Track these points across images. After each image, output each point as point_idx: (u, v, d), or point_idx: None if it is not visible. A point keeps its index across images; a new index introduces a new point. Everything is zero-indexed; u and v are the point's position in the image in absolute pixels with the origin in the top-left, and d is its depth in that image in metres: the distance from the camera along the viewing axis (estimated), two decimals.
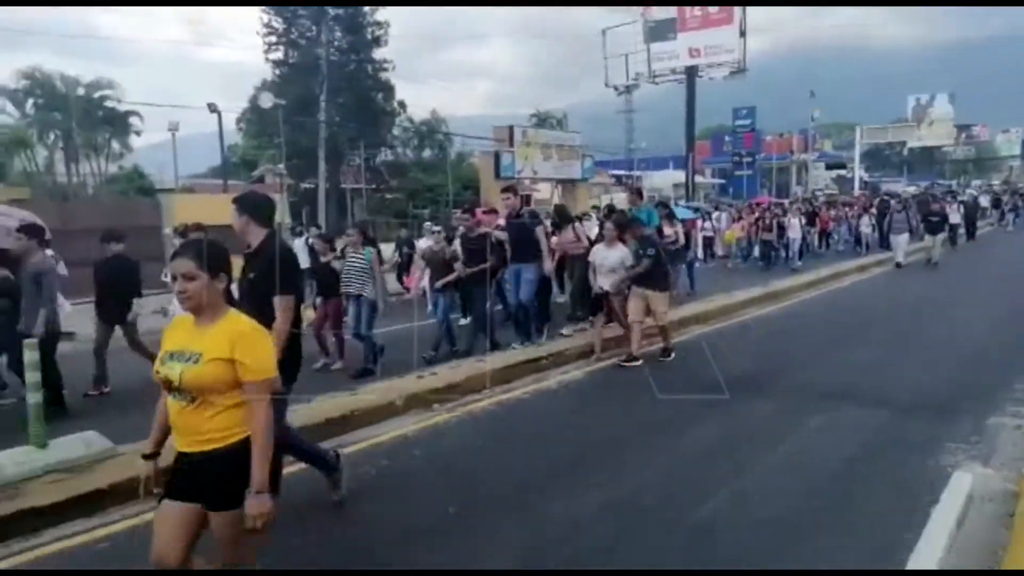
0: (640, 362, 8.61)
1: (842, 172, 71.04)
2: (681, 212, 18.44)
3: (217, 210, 23.87)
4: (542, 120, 57.25)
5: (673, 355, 8.97)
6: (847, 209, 27.40)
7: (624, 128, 56.35)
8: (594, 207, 21.30)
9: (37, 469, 4.83)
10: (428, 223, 16.41)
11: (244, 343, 2.82)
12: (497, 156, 40.63)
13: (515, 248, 9.35)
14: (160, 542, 2.92)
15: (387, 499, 4.93)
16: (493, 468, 5.44)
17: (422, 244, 14.31)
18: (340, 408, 6.36)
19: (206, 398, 2.82)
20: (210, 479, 2.86)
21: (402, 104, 41.23)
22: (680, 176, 56.68)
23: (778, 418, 6.47)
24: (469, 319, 10.51)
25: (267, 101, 26.92)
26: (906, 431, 5.96)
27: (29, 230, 7.76)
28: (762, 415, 6.57)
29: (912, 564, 3.74)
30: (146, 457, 3.14)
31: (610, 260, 9.01)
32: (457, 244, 9.92)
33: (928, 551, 3.85)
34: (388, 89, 36.75)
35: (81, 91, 38.68)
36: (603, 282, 9.07)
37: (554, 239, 10.48)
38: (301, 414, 6.08)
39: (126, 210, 25.16)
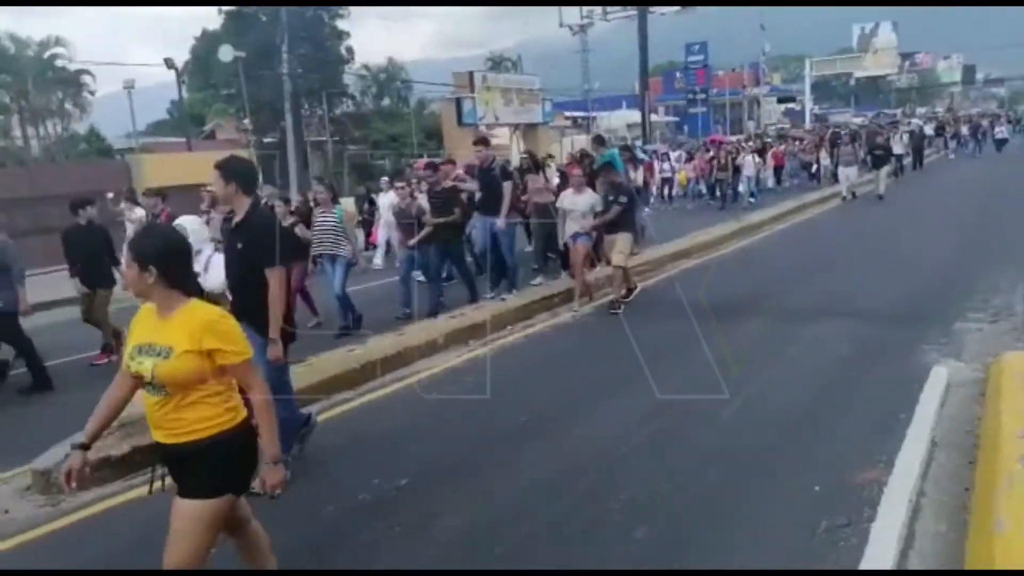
0: (622, 308, 8.76)
1: (791, 105, 72.33)
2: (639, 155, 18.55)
3: (183, 170, 23.94)
4: (496, 63, 56.94)
5: (635, 294, 9.24)
6: (797, 143, 27.80)
7: (579, 68, 56.56)
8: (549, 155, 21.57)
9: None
10: (385, 178, 16.30)
11: (212, 332, 2.74)
12: (459, 103, 40.69)
13: (485, 199, 9.40)
14: None
15: (459, 417, 5.68)
16: (540, 387, 6.25)
17: (383, 199, 14.34)
18: (395, 346, 7.12)
19: (182, 391, 2.75)
20: (186, 468, 2.81)
21: (350, 50, 40.81)
22: (634, 116, 56.90)
23: (773, 334, 7.34)
24: (425, 279, 9.98)
25: (227, 55, 26.58)
26: (888, 337, 6.87)
27: None
28: (759, 333, 7.43)
29: (910, 433, 4.70)
30: (80, 447, 2.92)
31: (580, 205, 8.96)
32: (423, 199, 9.80)
33: (921, 424, 4.78)
34: (342, 36, 36.37)
35: (31, 51, 37.50)
36: (572, 227, 9.02)
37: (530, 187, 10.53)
38: (359, 355, 6.85)
39: (95, 174, 24.96)
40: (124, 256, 2.90)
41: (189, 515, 2.74)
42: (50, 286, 11.13)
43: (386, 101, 47.00)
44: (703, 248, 12.92)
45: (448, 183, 9.56)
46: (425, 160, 34.61)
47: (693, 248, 12.72)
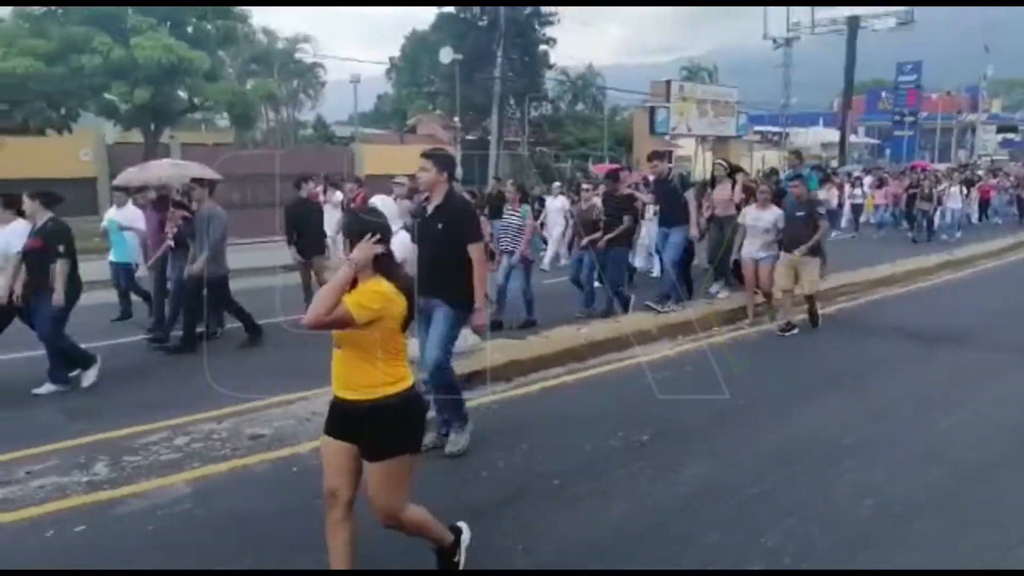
0: (796, 330, 8.54)
1: (1012, 136, 66.37)
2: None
3: (396, 160, 26.00)
4: (693, 72, 56.54)
5: (819, 323, 8.82)
6: (1011, 178, 25.46)
7: (773, 80, 54.83)
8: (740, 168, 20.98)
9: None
10: (557, 183, 16.54)
11: (357, 295, 3.02)
12: (652, 111, 41.18)
13: (663, 211, 9.43)
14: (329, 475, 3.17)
15: (689, 390, 6.37)
16: (756, 380, 6.76)
17: (551, 203, 14.49)
18: (615, 331, 7.96)
19: (353, 350, 3.06)
20: (364, 429, 3.09)
21: (546, 55, 42.14)
22: (829, 135, 54.51)
23: (983, 364, 7.32)
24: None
25: (447, 56, 28.73)
26: None
27: (200, 182, 8.51)
28: (967, 362, 7.42)
29: None
30: None
31: (762, 221, 8.73)
32: (597, 201, 9.80)
33: None
34: (548, 42, 37.90)
35: (280, 45, 42.17)
36: (751, 246, 8.86)
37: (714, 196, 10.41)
38: (586, 334, 7.76)
39: (324, 158, 27.73)
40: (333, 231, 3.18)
41: (385, 473, 3.08)
42: (265, 252, 13.00)
43: (579, 106, 48.28)
44: (907, 277, 12.45)
45: (625, 190, 9.60)
46: (607, 165, 35.47)
47: (897, 276, 12.32)
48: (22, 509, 4.18)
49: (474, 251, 4.81)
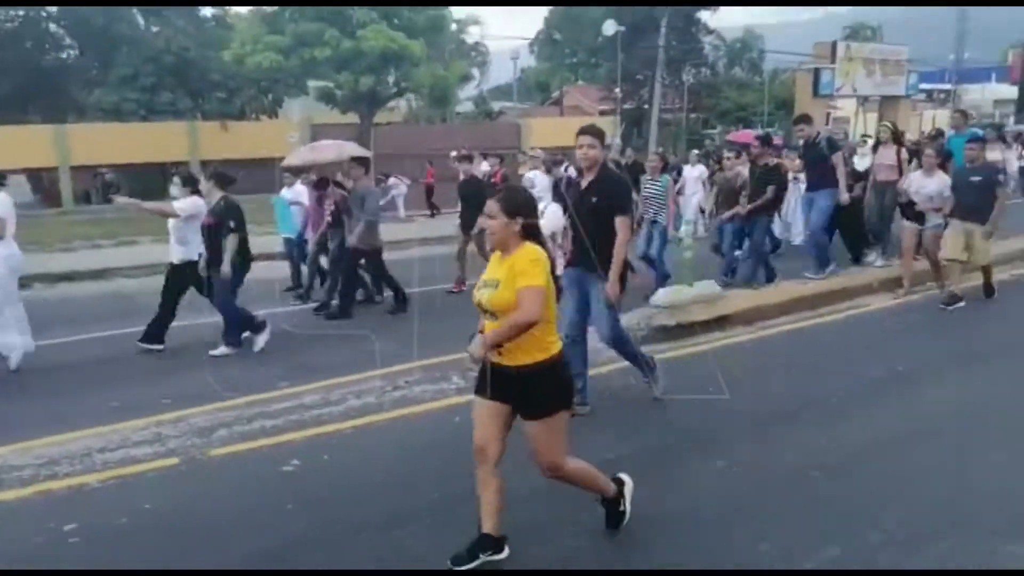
0: (963, 303, 7.84)
1: None
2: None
3: (558, 132, 26.77)
4: (855, 31, 53.31)
5: (996, 294, 8.22)
6: None
7: (940, 35, 50.50)
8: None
9: (687, 299, 7.31)
10: (695, 151, 16.14)
11: (519, 264, 3.14)
12: (816, 73, 39.66)
13: (810, 175, 9.26)
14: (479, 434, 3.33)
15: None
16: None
17: (688, 172, 13.76)
18: (840, 284, 8.50)
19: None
20: (521, 391, 3.24)
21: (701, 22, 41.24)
22: (1004, 91, 49.59)
23: None
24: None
25: (610, 28, 29.26)
26: None
27: (358, 160, 8.81)
28: None
29: None
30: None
31: (928, 189, 8.13)
32: (744, 170, 9.56)
33: None
34: (712, 7, 37.39)
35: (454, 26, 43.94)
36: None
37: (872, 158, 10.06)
38: (813, 287, 8.33)
39: (491, 133, 29.13)
40: (488, 210, 3.29)
41: (546, 428, 3.25)
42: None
43: (736, 70, 47.06)
44: None
45: (773, 160, 9.29)
46: (743, 132, 34.42)
47: None
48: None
49: (620, 223, 4.85)
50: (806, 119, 9.53)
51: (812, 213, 9.03)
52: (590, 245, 4.82)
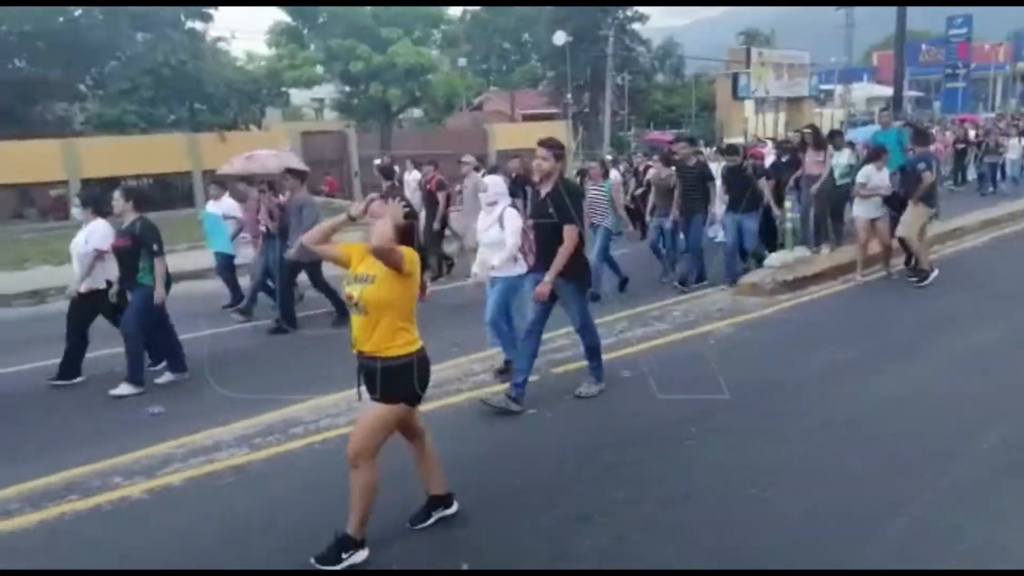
0: (936, 272, 8.79)
1: None
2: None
3: (519, 137, 28.03)
4: (750, 37, 56.66)
5: (934, 273, 8.81)
6: None
7: (805, 40, 54.19)
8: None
9: (792, 260, 9.37)
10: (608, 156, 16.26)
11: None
12: (735, 77, 42.63)
13: (734, 197, 9.23)
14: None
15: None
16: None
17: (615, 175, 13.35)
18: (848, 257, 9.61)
19: (381, 313, 3.35)
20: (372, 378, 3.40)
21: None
22: (877, 90, 53.97)
23: None
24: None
25: (560, 39, 30.89)
26: None
27: (293, 172, 8.70)
28: None
29: None
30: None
31: (875, 180, 8.77)
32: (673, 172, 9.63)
33: None
34: (642, 19, 39.59)
35: None
36: (866, 205, 8.86)
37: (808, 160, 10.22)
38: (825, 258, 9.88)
39: (458, 138, 29.63)
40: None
41: (374, 414, 3.41)
42: None
43: (660, 76, 49.54)
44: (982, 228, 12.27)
45: (695, 160, 9.55)
46: (656, 134, 36.63)
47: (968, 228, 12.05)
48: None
49: (568, 231, 5.17)
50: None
51: (742, 235, 9.21)
52: (551, 249, 5.21)
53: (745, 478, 4.23)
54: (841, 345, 6.78)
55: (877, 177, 8.84)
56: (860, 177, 9.02)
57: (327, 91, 30.12)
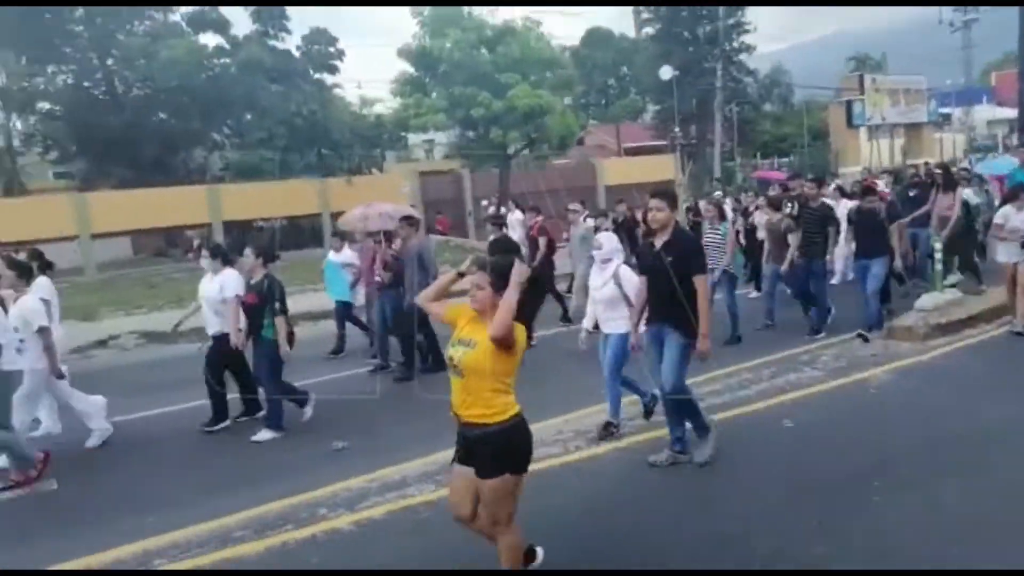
0: None
1: None
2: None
3: (630, 172, 28.03)
4: (860, 63, 54.73)
5: None
6: None
7: (912, 63, 51.24)
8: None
9: (944, 302, 8.96)
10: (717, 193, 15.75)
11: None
12: (849, 105, 41.35)
13: (863, 242, 8.69)
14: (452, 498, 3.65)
15: None
16: None
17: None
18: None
19: (479, 379, 3.38)
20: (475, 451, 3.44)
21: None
22: (998, 112, 50.35)
23: None
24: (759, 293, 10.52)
25: (667, 73, 31.05)
26: None
27: (407, 220, 8.88)
28: None
29: None
30: None
31: (1014, 221, 8.18)
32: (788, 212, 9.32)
33: None
34: (748, 50, 39.15)
35: None
36: (1010, 248, 8.27)
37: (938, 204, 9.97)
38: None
39: (568, 173, 29.15)
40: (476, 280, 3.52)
41: (494, 489, 3.43)
42: None
43: (767, 105, 48.61)
44: None
45: (820, 200, 9.22)
46: (768, 172, 35.60)
47: None
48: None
49: (699, 283, 5.03)
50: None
51: (868, 280, 8.54)
52: (667, 302, 5.09)
53: (949, 535, 4.17)
54: (1017, 396, 6.50)
55: (1016, 218, 8.26)
56: (998, 218, 8.57)
57: (438, 133, 31.47)
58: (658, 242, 5.20)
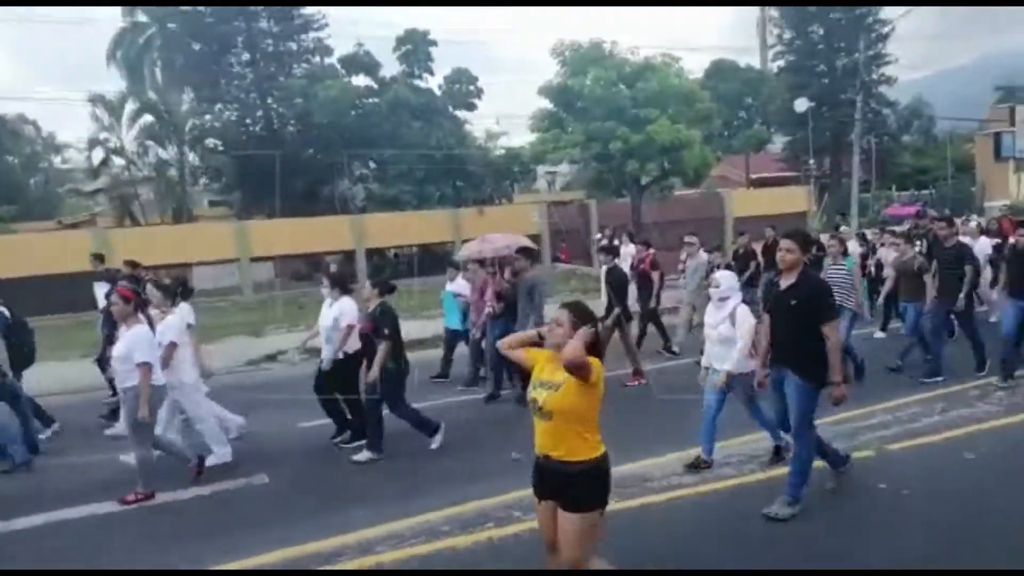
0: None
1: None
2: None
3: (752, 203, 27.38)
4: (1009, 93, 51.16)
5: None
6: None
7: None
8: None
9: None
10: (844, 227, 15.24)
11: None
12: (998, 137, 38.98)
13: (1014, 282, 8.23)
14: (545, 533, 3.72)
15: None
16: None
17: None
18: None
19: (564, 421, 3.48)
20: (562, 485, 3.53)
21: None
22: None
23: None
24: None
25: (802, 106, 30.48)
26: None
27: (524, 251, 9.08)
28: None
29: None
30: None
31: None
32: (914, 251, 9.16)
33: None
34: (889, 81, 37.84)
35: None
36: None
37: None
38: None
39: (698, 204, 29.30)
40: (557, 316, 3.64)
41: (574, 523, 3.51)
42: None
43: (906, 137, 46.54)
44: None
45: (955, 240, 8.73)
46: (904, 207, 33.77)
47: None
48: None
49: (829, 331, 4.86)
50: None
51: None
52: (789, 345, 5.00)
53: None
54: None
55: None
56: None
57: (561, 166, 32.21)
58: (784, 282, 5.10)
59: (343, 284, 7.43)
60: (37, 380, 8.73)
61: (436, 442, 7.11)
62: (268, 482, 6.55)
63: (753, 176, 41.11)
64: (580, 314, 3.58)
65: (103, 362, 8.54)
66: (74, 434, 8.27)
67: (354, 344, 7.20)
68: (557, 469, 3.50)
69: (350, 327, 7.12)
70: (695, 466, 6.05)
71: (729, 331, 5.81)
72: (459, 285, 10.21)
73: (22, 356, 7.95)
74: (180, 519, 5.85)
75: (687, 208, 28.22)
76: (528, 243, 10.06)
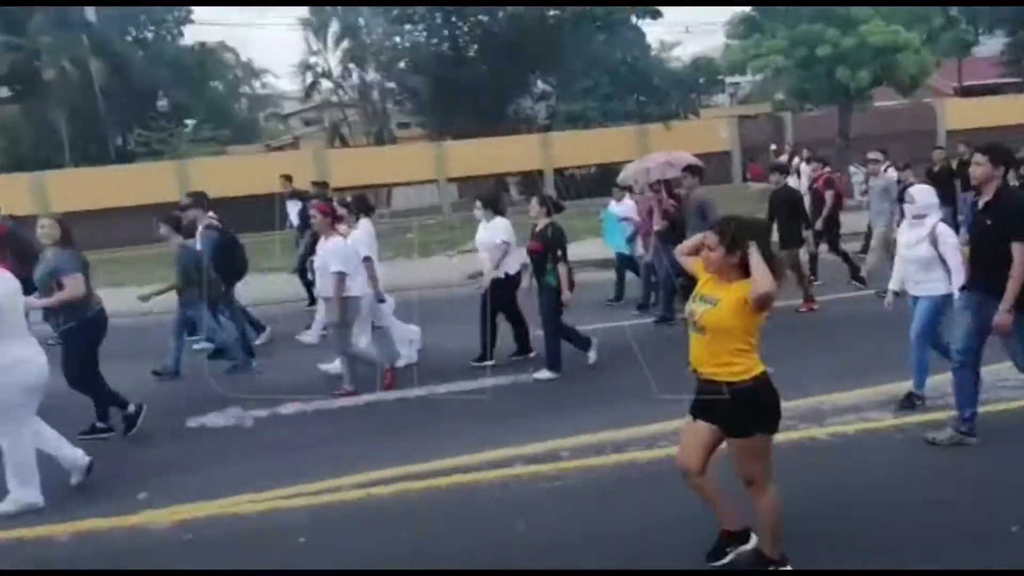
0: None
1: None
2: None
3: (971, 115, 24.37)
4: None
5: None
6: None
7: None
8: None
9: None
10: None
11: (741, 292, 3.30)
12: None
13: None
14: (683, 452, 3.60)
15: None
16: None
17: None
18: None
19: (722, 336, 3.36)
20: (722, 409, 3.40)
21: None
22: None
23: None
24: None
25: None
26: None
27: (691, 169, 8.66)
28: None
29: None
30: None
31: None
32: None
33: None
34: None
35: None
36: None
37: None
38: None
39: (903, 115, 26.79)
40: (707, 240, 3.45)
41: (745, 448, 3.42)
42: None
43: None
44: None
45: None
46: None
47: None
48: None
49: (1017, 250, 4.49)
50: None
51: None
52: (984, 267, 4.66)
53: None
54: None
55: None
56: None
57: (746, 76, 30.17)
58: (981, 201, 4.80)
59: (495, 205, 7.59)
60: (248, 291, 9.43)
61: (591, 358, 7.34)
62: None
63: (965, 84, 36.57)
64: (740, 228, 3.39)
65: (302, 273, 9.49)
66: (280, 341, 9.13)
67: (513, 265, 7.42)
68: (709, 388, 3.44)
69: (506, 244, 7.33)
70: (908, 404, 5.69)
71: (927, 252, 5.33)
72: (626, 206, 10.07)
73: (234, 270, 8.53)
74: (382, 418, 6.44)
75: (896, 121, 25.90)
76: (694, 160, 9.49)
